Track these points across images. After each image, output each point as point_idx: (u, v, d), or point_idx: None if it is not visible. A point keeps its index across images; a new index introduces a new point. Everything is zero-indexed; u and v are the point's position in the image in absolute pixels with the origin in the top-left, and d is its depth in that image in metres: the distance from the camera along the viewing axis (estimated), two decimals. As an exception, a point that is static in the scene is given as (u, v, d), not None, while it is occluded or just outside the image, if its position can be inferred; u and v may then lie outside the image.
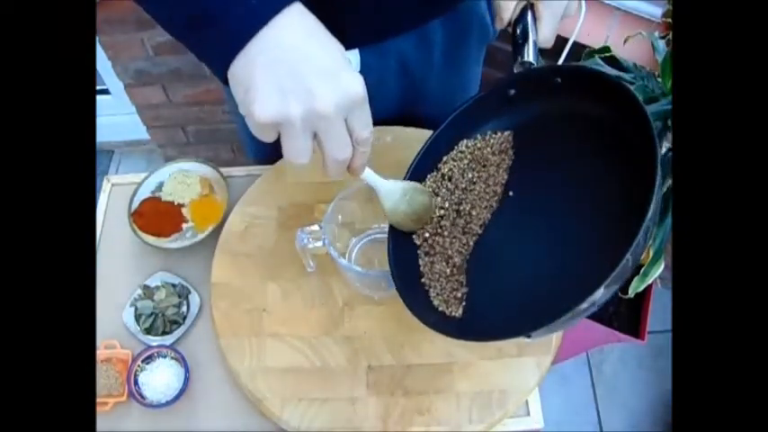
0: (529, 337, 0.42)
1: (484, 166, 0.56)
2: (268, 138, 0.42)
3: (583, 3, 0.54)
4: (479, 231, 0.54)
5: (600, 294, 0.39)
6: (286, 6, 0.39)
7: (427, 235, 0.55)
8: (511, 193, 0.54)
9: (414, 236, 0.55)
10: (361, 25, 0.60)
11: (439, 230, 0.55)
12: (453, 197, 0.55)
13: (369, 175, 0.50)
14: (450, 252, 0.54)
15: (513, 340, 0.63)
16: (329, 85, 0.39)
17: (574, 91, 0.50)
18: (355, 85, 0.40)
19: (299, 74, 0.39)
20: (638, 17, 1.01)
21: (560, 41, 0.55)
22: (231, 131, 1.54)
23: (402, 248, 0.54)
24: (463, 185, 0.56)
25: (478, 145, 0.56)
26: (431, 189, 0.56)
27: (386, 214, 0.53)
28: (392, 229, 0.55)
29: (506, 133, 0.55)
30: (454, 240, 0.54)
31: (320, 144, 0.42)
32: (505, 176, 0.55)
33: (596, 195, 0.49)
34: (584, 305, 0.39)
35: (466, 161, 0.56)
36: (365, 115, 0.42)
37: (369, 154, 0.46)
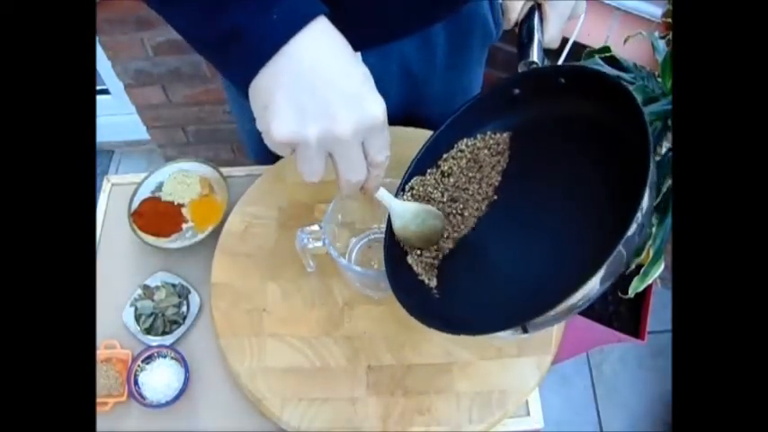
0: (526, 331, 0.41)
1: (480, 167, 0.56)
2: (283, 153, 0.42)
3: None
4: (468, 233, 0.55)
5: (594, 287, 0.39)
6: (308, 22, 0.38)
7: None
8: (504, 196, 0.55)
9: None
10: (364, 28, 0.60)
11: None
12: (447, 195, 0.56)
13: (383, 194, 0.50)
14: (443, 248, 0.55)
15: (513, 340, 0.63)
16: (350, 109, 0.39)
17: (577, 91, 0.50)
18: (377, 111, 0.40)
19: (321, 95, 0.38)
20: (638, 17, 1.01)
21: (561, 42, 0.55)
22: (231, 131, 1.54)
23: (397, 247, 0.55)
24: (458, 185, 0.56)
25: (478, 145, 0.56)
26: (431, 186, 0.56)
27: (395, 231, 0.53)
28: (389, 227, 0.55)
29: (504, 135, 0.56)
30: (447, 240, 0.55)
31: (334, 165, 0.42)
32: (498, 179, 0.55)
33: (592, 196, 0.49)
34: (579, 296, 0.39)
35: (464, 161, 0.56)
36: (382, 140, 0.42)
37: (383, 176, 0.45)
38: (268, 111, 0.39)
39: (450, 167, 0.56)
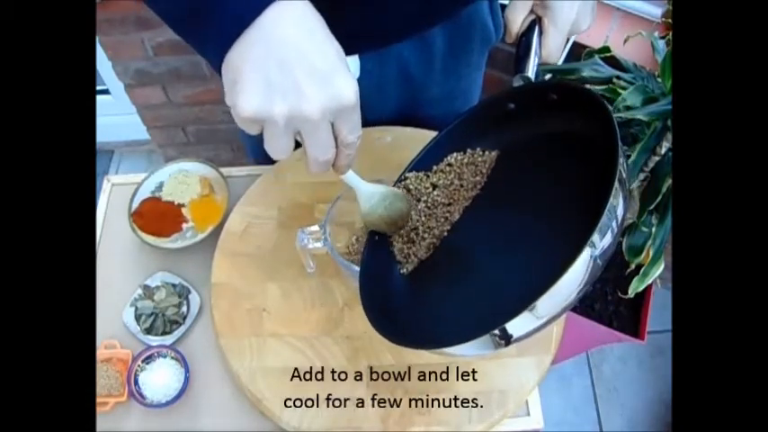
0: (508, 342, 0.40)
1: (462, 184, 0.56)
2: (251, 131, 0.40)
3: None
4: (442, 247, 0.55)
5: (570, 297, 0.38)
6: None
7: (400, 245, 0.56)
8: (485, 213, 0.54)
9: (387, 243, 0.56)
10: (362, 31, 0.60)
11: (413, 238, 0.55)
12: (431, 207, 0.56)
13: (350, 176, 0.49)
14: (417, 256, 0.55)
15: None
16: (319, 87, 0.37)
17: (567, 108, 0.49)
18: (347, 91, 0.38)
19: (290, 71, 0.37)
20: (638, 17, 1.01)
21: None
22: (231, 131, 1.54)
23: (377, 251, 0.55)
24: (442, 200, 0.56)
25: (466, 161, 0.56)
26: (416, 194, 0.56)
27: (361, 215, 0.53)
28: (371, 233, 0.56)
29: (493, 154, 0.55)
30: (423, 248, 0.55)
31: (302, 143, 0.41)
32: (479, 195, 0.55)
33: (572, 211, 0.48)
34: (549, 307, 0.38)
35: (451, 175, 0.56)
36: (354, 120, 0.41)
37: (354, 156, 0.44)
38: (236, 85, 0.38)
39: (438, 179, 0.56)
